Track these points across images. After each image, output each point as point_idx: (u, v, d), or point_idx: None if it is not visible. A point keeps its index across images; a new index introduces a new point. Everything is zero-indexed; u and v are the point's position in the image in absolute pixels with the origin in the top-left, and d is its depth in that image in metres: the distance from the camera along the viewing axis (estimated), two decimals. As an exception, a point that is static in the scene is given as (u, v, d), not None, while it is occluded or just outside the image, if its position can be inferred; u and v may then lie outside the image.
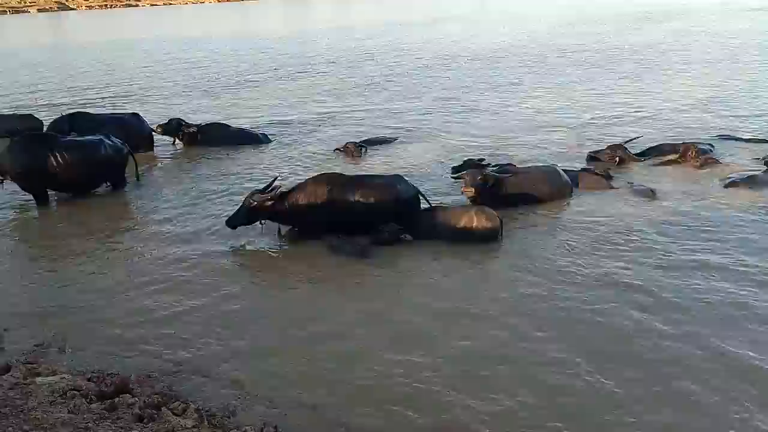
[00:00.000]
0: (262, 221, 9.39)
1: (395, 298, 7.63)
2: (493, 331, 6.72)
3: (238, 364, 6.30)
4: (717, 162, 11.86)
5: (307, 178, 9.91)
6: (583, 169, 11.57)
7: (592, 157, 12.54)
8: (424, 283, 7.94)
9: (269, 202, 9.16)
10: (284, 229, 9.49)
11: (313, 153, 14.10)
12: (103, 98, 22.42)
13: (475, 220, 9.05)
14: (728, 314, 6.91)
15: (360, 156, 13.37)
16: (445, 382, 5.93)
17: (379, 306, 7.39)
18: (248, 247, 9.25)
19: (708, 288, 7.46)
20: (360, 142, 14.02)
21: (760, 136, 13.64)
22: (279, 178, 9.92)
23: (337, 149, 13.72)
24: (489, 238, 9.02)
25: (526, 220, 9.82)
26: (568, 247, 8.71)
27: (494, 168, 10.85)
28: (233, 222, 9.30)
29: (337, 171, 10.54)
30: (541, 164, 11.59)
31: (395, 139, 14.77)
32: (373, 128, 16.08)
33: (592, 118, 16.17)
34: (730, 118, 15.63)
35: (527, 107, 17.81)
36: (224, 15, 63.90)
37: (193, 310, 7.42)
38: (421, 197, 9.61)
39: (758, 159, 11.98)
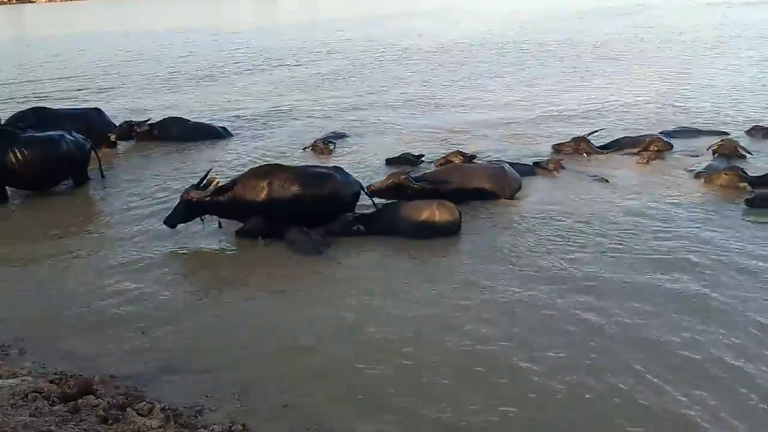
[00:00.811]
0: (202, 217, 9.16)
1: (362, 306, 7.36)
2: (462, 339, 6.57)
3: (205, 365, 6.22)
4: (662, 157, 12.06)
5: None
6: (535, 164, 11.66)
7: (557, 150, 12.66)
8: (391, 290, 7.67)
9: (207, 197, 8.92)
10: (225, 222, 9.26)
11: (276, 146, 14.03)
12: (61, 91, 21.88)
13: (437, 214, 9.06)
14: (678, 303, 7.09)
15: (330, 153, 13.21)
16: (415, 386, 5.90)
17: (347, 314, 7.18)
18: (210, 246, 9.09)
19: (655, 279, 7.63)
20: (327, 138, 13.91)
21: (718, 129, 13.90)
22: (212, 170, 9.69)
23: (306, 148, 13.52)
24: (449, 232, 9.05)
25: (482, 213, 9.85)
26: (529, 243, 8.74)
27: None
28: (172, 221, 9.03)
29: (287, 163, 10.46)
30: (488, 161, 11.48)
31: (347, 135, 14.63)
32: (337, 122, 16.02)
33: (553, 112, 16.36)
34: (689, 111, 15.96)
35: (490, 101, 17.95)
36: (190, 9, 62.98)
37: (157, 312, 7.28)
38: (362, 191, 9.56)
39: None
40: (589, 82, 20.29)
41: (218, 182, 9.08)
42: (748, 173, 10.64)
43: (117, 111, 16.96)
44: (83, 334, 6.83)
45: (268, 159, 12.76)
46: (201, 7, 61.84)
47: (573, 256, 8.24)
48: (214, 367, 6.18)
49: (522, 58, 25.78)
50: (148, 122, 14.68)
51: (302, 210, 9.00)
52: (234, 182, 9.18)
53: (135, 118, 15.26)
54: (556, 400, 5.60)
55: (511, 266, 8.04)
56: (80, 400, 5.45)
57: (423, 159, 12.12)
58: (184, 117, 15.54)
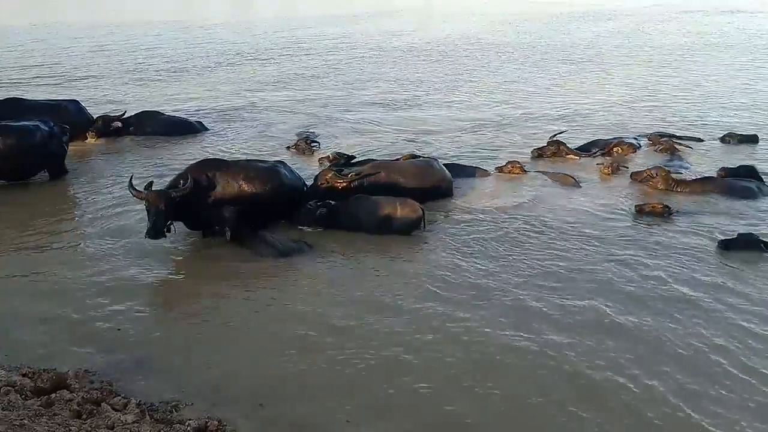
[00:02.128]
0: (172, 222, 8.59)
1: (336, 306, 7.37)
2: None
3: (181, 361, 6.21)
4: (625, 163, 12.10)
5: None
6: (497, 168, 11.77)
7: (538, 154, 12.80)
8: (362, 290, 7.70)
9: (178, 198, 8.34)
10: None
11: (251, 141, 14.02)
12: (28, 81, 21.49)
13: (399, 209, 9.15)
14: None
15: (312, 153, 13.06)
16: (388, 381, 5.99)
17: (321, 314, 7.17)
18: (184, 243, 9.01)
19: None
20: (308, 137, 13.79)
21: (693, 135, 14.17)
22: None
23: (288, 147, 13.36)
24: (412, 228, 9.14)
25: (444, 211, 9.99)
26: (491, 242, 8.90)
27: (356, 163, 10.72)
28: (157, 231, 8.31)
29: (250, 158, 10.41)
30: (418, 159, 11.30)
31: (317, 134, 14.53)
32: (311, 119, 16.08)
33: (523, 114, 16.54)
34: (667, 116, 16.26)
35: (462, 102, 18.06)
36: (167, 2, 62.19)
37: (132, 308, 7.23)
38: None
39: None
40: (560, 86, 20.52)
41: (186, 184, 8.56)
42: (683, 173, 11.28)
43: (87, 102, 16.72)
44: (58, 329, 6.75)
45: (245, 153, 12.74)
46: (178, 3, 61.13)
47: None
48: (189, 364, 6.17)
49: (495, 60, 26.02)
50: (124, 116, 14.49)
51: (244, 206, 8.73)
52: (180, 181, 8.71)
53: (106, 111, 15.03)
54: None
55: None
56: (54, 395, 5.42)
57: (353, 160, 11.96)
58: (158, 111, 15.39)
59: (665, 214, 9.66)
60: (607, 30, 36.78)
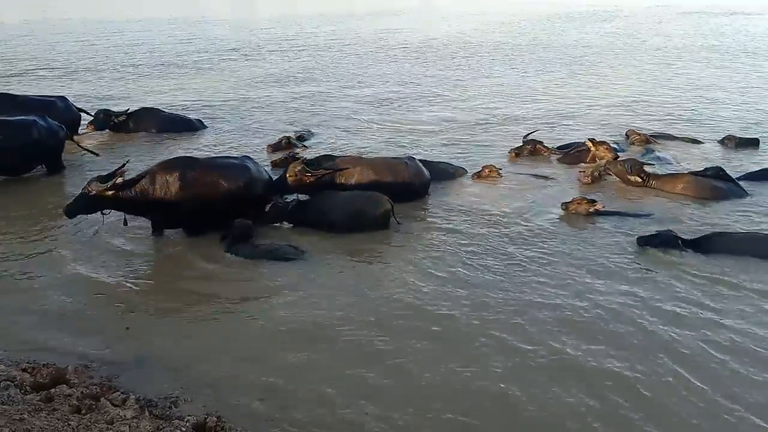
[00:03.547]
0: (104, 212, 8.53)
1: (333, 304, 7.38)
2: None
3: (181, 357, 6.22)
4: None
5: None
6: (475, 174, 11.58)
7: (516, 154, 12.83)
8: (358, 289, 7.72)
9: (109, 192, 8.29)
10: (130, 219, 8.79)
11: (248, 139, 14.03)
12: (25, 74, 21.47)
13: (368, 205, 9.15)
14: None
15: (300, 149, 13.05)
16: (389, 375, 6.04)
17: (321, 313, 7.19)
18: (184, 240, 8.99)
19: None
20: (298, 134, 13.83)
21: (689, 136, 14.23)
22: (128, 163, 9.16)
23: (270, 145, 13.15)
24: (382, 223, 9.13)
25: (415, 210, 10.02)
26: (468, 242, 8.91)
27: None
28: (72, 211, 8.40)
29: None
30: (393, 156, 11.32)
31: (312, 132, 14.60)
32: (303, 116, 16.17)
33: (515, 116, 16.51)
34: (665, 117, 16.30)
35: (453, 102, 18.02)
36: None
37: (135, 302, 7.28)
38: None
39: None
40: (555, 87, 20.49)
41: (121, 177, 8.44)
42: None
43: (81, 97, 16.78)
44: (58, 324, 6.77)
45: (245, 151, 12.69)
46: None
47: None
48: (189, 359, 6.17)
49: (489, 60, 26.02)
50: (128, 111, 14.49)
51: (212, 203, 8.61)
52: (138, 177, 8.59)
53: (103, 106, 15.08)
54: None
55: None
56: (53, 389, 5.43)
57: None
58: (158, 108, 15.38)
59: (590, 210, 9.67)
60: (605, 31, 36.91)
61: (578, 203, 9.82)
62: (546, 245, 8.77)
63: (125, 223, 8.69)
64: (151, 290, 7.61)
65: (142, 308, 7.16)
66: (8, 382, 5.42)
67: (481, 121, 15.87)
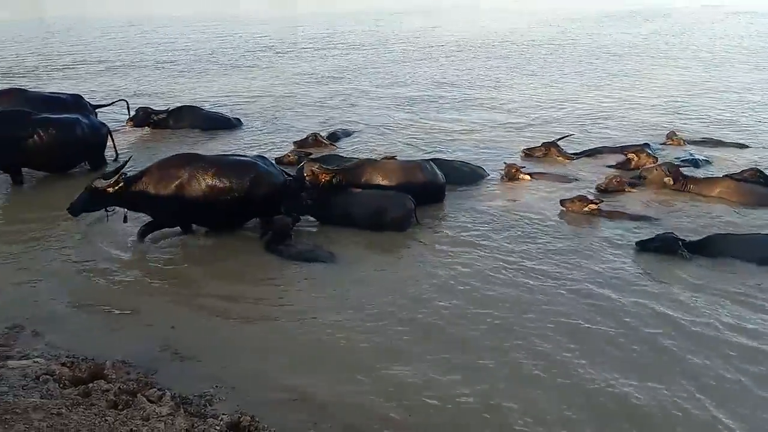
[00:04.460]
0: (108, 209, 8.48)
1: (366, 300, 7.49)
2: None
3: (215, 355, 6.23)
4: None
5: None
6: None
7: (527, 154, 12.63)
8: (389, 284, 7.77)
9: (111, 189, 8.22)
10: (131, 215, 8.73)
11: (282, 137, 14.04)
12: (65, 69, 21.94)
13: (391, 204, 9.11)
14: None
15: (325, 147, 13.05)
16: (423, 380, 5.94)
17: (352, 311, 7.22)
18: (224, 237, 9.06)
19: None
20: (328, 134, 13.81)
21: (737, 141, 13.81)
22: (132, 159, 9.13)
23: (295, 142, 13.20)
24: (403, 224, 9.08)
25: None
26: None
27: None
28: (76, 208, 8.35)
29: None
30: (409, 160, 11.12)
31: (352, 130, 14.64)
32: (341, 115, 16.18)
33: (554, 117, 16.21)
34: (710, 121, 15.81)
35: (489, 104, 17.76)
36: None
37: (174, 296, 7.37)
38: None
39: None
40: (597, 88, 20.09)
41: (124, 173, 8.43)
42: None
43: (116, 93, 17.05)
44: (97, 318, 6.88)
45: (281, 149, 12.76)
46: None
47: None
48: (224, 359, 6.17)
49: (530, 59, 25.71)
50: (168, 110, 14.73)
51: (221, 203, 8.43)
52: (142, 173, 8.51)
53: (146, 104, 15.34)
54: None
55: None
56: (91, 384, 5.47)
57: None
58: (197, 105, 15.58)
59: (585, 209, 9.58)
60: (649, 31, 36.09)
61: (575, 202, 9.76)
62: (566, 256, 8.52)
63: (125, 220, 8.64)
64: (190, 290, 7.61)
65: (181, 306, 7.20)
66: (47, 376, 5.50)
67: (516, 123, 15.63)
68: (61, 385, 5.44)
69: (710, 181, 10.79)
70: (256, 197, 8.60)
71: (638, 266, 8.15)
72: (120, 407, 5.24)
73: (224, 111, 15.84)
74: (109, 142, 11.84)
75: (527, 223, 9.47)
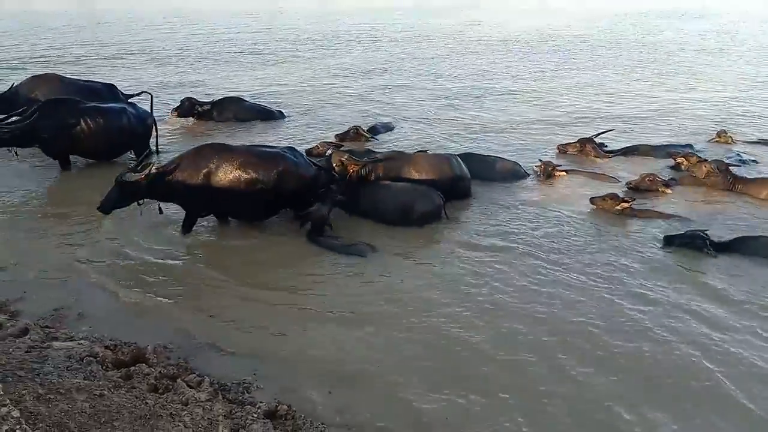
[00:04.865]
0: (140, 202, 8.41)
1: (409, 294, 7.52)
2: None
3: (257, 342, 6.29)
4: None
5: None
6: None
7: (562, 150, 12.45)
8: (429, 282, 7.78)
9: (144, 180, 8.13)
10: (165, 206, 8.69)
11: (322, 130, 14.05)
12: (111, 59, 22.41)
13: (419, 199, 9.06)
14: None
15: (366, 141, 13.06)
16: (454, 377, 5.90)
17: (392, 305, 7.20)
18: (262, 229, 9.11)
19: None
20: (368, 128, 13.80)
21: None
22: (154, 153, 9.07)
23: (336, 135, 13.20)
24: (431, 219, 9.04)
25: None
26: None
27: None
28: (105, 206, 8.24)
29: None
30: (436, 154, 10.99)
31: (395, 125, 14.57)
32: (381, 108, 16.13)
33: (591, 114, 15.93)
34: (754, 121, 15.35)
35: (526, 100, 17.52)
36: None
37: (215, 284, 7.45)
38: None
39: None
40: (638, 84, 19.66)
41: (154, 165, 8.42)
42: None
43: (160, 83, 17.33)
44: (141, 301, 7.00)
45: (315, 142, 12.77)
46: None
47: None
48: (262, 347, 6.23)
49: (572, 55, 25.28)
50: (211, 101, 14.90)
51: (251, 194, 8.38)
52: (173, 163, 8.47)
53: (191, 94, 15.46)
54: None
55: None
56: (133, 368, 5.57)
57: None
58: (240, 97, 15.71)
59: (617, 208, 9.42)
60: (697, 29, 35.08)
61: (606, 200, 9.59)
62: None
63: (160, 212, 8.63)
64: (230, 279, 7.64)
65: (221, 295, 7.26)
66: (91, 358, 5.61)
67: (556, 119, 15.39)
68: (104, 368, 5.55)
69: (760, 182, 10.48)
70: (285, 188, 8.57)
71: (675, 263, 8.01)
72: (160, 391, 5.31)
73: (265, 103, 15.95)
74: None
75: (561, 221, 9.35)
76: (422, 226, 9.00)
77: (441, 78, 20.44)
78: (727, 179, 10.45)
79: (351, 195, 9.32)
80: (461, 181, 10.05)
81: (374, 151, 10.57)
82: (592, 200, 9.73)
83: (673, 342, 6.39)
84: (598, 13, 44.24)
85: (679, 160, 11.38)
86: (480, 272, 7.76)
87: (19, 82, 13.04)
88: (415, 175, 9.75)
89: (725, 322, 6.77)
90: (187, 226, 8.73)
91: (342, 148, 10.70)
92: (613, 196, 9.66)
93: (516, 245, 8.48)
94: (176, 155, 8.94)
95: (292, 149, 9.14)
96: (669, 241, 8.43)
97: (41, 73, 14.31)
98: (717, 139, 13.25)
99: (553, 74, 21.32)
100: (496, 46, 27.59)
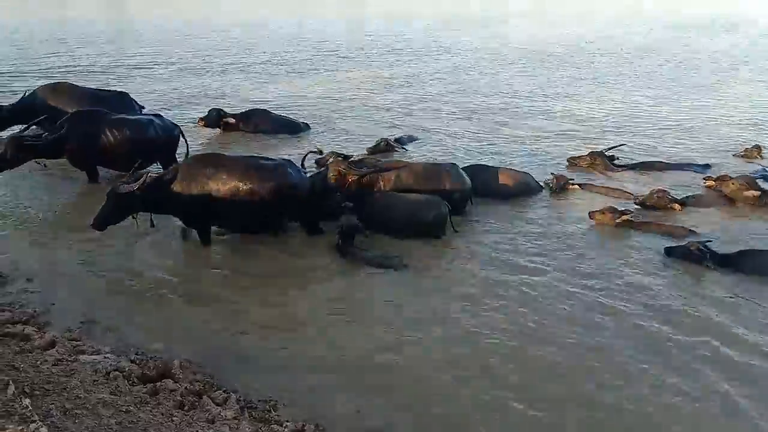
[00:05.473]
0: (134, 215, 8.31)
1: (435, 315, 7.44)
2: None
3: (282, 361, 6.22)
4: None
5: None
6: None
7: (572, 163, 12.36)
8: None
9: (139, 191, 8.00)
10: (156, 218, 8.55)
11: (349, 142, 13.99)
12: (138, 68, 22.67)
13: (424, 209, 9.02)
14: None
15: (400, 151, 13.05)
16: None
17: (419, 328, 7.19)
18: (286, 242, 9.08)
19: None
20: (398, 139, 13.77)
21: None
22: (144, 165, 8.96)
23: (368, 148, 13.17)
24: (437, 228, 8.99)
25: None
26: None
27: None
28: (102, 222, 8.06)
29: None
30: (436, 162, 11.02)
31: (418, 138, 14.49)
32: (407, 121, 16.10)
33: (627, 128, 15.67)
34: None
35: (554, 113, 17.35)
36: (283, 1, 64.52)
37: (240, 298, 7.41)
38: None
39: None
40: (670, 99, 19.29)
41: (149, 174, 8.32)
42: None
43: (184, 93, 17.42)
44: (169, 315, 7.00)
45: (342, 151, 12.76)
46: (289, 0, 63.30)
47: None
48: (290, 365, 6.16)
49: (602, 67, 25.04)
50: (238, 114, 14.94)
51: (245, 205, 8.32)
52: (168, 173, 8.44)
53: (225, 107, 15.56)
54: None
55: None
56: (159, 383, 5.53)
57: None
58: (266, 109, 15.75)
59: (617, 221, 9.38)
60: (730, 42, 34.43)
61: (604, 213, 9.53)
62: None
63: (152, 225, 8.49)
64: (261, 295, 7.61)
65: (247, 309, 7.22)
66: (117, 372, 5.58)
67: (582, 132, 15.20)
68: (130, 382, 5.51)
69: None
70: (280, 199, 8.52)
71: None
72: (186, 408, 5.26)
73: (289, 114, 15.97)
74: (182, 141, 12.03)
75: (571, 235, 9.32)
76: (429, 236, 8.96)
77: (463, 91, 20.23)
78: (755, 194, 10.31)
79: (356, 204, 9.27)
80: (460, 191, 9.88)
81: (364, 161, 10.38)
82: (591, 214, 9.66)
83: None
84: (623, 24, 43.84)
85: (709, 183, 11.06)
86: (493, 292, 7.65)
87: (32, 90, 13.21)
88: (414, 185, 9.66)
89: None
90: (204, 239, 8.72)
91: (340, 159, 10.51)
92: (612, 210, 9.59)
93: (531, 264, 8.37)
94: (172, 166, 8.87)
95: (287, 161, 9.11)
96: (670, 253, 8.52)
97: (54, 81, 14.49)
98: (743, 153, 13.05)
99: (575, 88, 21.07)
100: (519, 60, 27.38)
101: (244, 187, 8.31)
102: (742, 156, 13.06)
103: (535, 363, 6.28)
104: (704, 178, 11.36)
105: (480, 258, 8.54)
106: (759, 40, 35.46)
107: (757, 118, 16.82)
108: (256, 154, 10.22)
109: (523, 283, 7.82)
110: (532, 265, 8.34)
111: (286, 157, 11.75)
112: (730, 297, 7.59)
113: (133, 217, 8.33)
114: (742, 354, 6.47)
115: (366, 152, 12.83)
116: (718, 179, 10.88)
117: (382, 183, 9.76)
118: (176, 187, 8.25)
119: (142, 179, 8.12)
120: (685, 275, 8.16)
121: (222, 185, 8.28)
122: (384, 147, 13.08)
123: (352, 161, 9.94)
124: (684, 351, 6.50)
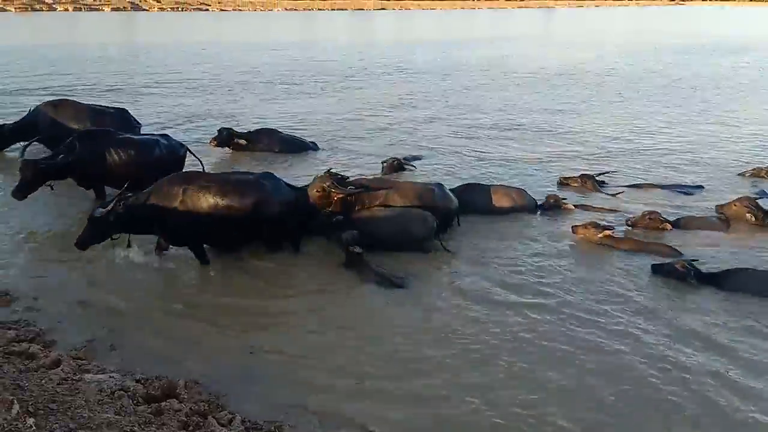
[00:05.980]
0: (113, 236, 8.33)
1: (441, 334, 7.41)
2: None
3: (288, 381, 6.16)
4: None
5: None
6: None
7: (563, 183, 12.41)
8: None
9: (111, 216, 8.03)
10: (135, 238, 8.61)
11: (358, 163, 14.04)
12: (145, 88, 22.85)
13: (411, 222, 9.02)
14: None
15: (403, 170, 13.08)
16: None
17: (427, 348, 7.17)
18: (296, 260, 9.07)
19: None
20: (405, 158, 13.78)
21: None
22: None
23: (383, 162, 13.25)
24: (424, 242, 8.97)
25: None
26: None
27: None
28: (84, 242, 8.17)
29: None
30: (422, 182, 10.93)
31: (418, 158, 14.49)
32: (412, 141, 16.12)
33: (629, 150, 15.62)
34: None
35: (564, 134, 17.32)
36: (291, 23, 65.09)
37: (245, 317, 7.38)
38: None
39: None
40: (676, 122, 19.17)
41: (123, 199, 8.28)
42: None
43: (194, 114, 17.56)
44: (174, 334, 6.95)
45: (354, 173, 12.77)
46: (302, 23, 63.81)
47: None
48: (296, 385, 6.10)
49: (608, 90, 25.04)
50: (248, 134, 15.01)
51: (225, 221, 8.26)
52: (140, 196, 8.38)
53: (233, 126, 15.61)
54: None
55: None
56: (164, 403, 5.48)
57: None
58: (276, 129, 15.82)
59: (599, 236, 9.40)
60: (734, 65, 34.41)
61: (587, 228, 9.56)
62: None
63: (129, 245, 8.54)
64: (261, 311, 7.61)
65: (254, 329, 7.18)
66: (122, 392, 5.54)
67: (588, 155, 15.11)
68: (135, 402, 5.47)
69: None
70: (259, 215, 8.46)
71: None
72: (190, 428, 5.22)
73: (296, 134, 16.04)
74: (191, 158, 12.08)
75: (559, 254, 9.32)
76: (416, 250, 8.96)
77: (467, 111, 20.31)
78: (759, 216, 10.25)
79: (344, 219, 9.27)
80: (445, 210, 9.82)
81: (346, 177, 10.25)
82: (574, 229, 9.68)
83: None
84: (630, 47, 44.08)
85: (722, 212, 10.77)
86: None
87: (34, 107, 13.37)
88: (399, 203, 9.65)
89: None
90: (202, 258, 8.68)
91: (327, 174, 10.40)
92: (595, 225, 9.64)
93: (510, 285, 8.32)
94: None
95: (269, 174, 9.06)
96: (656, 270, 8.55)
97: (56, 98, 14.65)
98: (753, 173, 13.04)
99: (580, 109, 21.05)
100: (523, 80, 27.53)
101: (223, 203, 8.26)
102: (750, 175, 13.02)
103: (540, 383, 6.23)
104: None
105: (475, 276, 8.50)
106: (760, 62, 35.53)
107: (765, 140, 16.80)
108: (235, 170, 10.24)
109: (516, 304, 7.80)
110: (530, 284, 8.32)
111: (294, 176, 11.91)
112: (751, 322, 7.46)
113: (112, 239, 8.34)
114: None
115: (381, 172, 12.85)
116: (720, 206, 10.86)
117: (368, 202, 9.70)
118: (149, 207, 8.25)
119: (111, 203, 8.13)
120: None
121: (199, 202, 8.23)
122: (397, 166, 13.11)
123: (338, 178, 9.77)
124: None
